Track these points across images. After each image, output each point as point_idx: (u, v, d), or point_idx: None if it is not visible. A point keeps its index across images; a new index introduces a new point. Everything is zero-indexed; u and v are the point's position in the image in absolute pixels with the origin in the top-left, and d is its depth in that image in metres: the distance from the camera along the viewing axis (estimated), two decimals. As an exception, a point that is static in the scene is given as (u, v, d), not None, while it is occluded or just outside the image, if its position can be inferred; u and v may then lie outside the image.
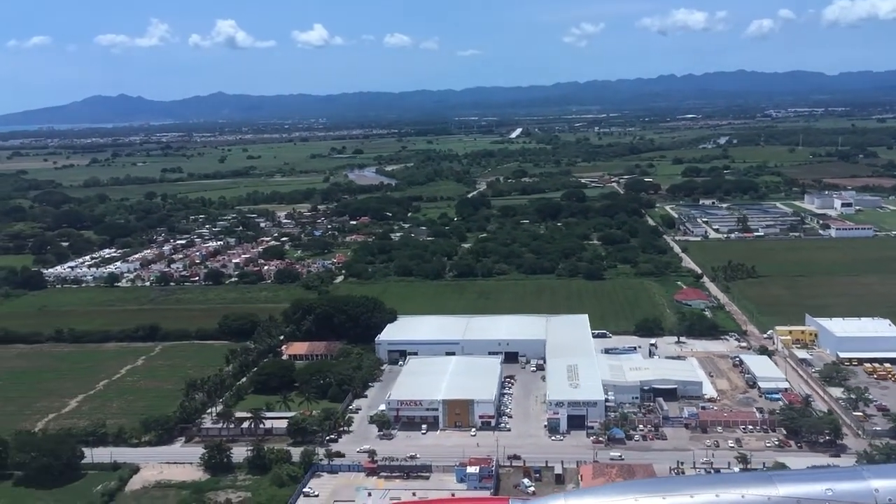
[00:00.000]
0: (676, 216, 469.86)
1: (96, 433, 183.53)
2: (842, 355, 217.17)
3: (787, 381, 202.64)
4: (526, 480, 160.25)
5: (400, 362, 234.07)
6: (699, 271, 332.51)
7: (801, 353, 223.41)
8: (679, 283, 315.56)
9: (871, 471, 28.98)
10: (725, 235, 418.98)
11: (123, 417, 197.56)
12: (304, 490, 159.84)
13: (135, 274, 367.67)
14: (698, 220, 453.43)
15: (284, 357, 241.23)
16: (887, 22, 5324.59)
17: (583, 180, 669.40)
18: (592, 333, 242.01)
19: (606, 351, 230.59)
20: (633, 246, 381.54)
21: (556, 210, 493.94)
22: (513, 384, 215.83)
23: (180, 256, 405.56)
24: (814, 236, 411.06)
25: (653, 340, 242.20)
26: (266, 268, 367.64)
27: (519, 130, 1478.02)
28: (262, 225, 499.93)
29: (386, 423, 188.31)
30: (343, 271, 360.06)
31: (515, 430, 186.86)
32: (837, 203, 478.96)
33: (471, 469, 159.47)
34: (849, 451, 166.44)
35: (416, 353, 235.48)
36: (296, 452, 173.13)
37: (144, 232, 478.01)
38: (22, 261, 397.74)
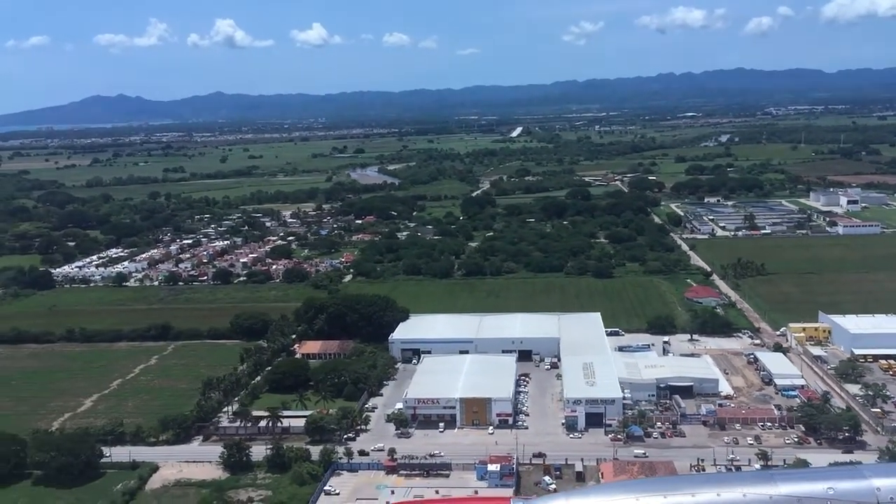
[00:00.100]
0: (682, 214, 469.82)
1: (114, 432, 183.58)
2: (856, 352, 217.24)
3: (803, 377, 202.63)
4: (547, 478, 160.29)
5: (414, 361, 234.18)
6: (708, 269, 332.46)
7: (816, 350, 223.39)
8: (689, 280, 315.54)
9: (873, 469, 29.00)
10: (733, 233, 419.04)
11: (139, 416, 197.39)
12: (325, 488, 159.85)
13: (143, 273, 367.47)
14: (704, 217, 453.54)
15: (298, 356, 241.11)
16: (886, 19, 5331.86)
17: (586, 179, 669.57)
18: (605, 331, 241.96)
19: (620, 349, 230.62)
20: (641, 244, 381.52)
21: (561, 208, 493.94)
22: (528, 382, 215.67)
23: (188, 256, 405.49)
24: (821, 233, 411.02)
25: (666, 338, 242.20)
26: (274, 267, 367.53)
27: (519, 129, 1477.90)
28: (268, 224, 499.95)
29: (403, 422, 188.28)
30: (351, 270, 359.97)
31: (533, 428, 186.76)
32: (843, 200, 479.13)
33: (492, 467, 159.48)
34: (869, 448, 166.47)
35: (429, 352, 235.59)
36: (314, 451, 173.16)
37: (150, 232, 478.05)
38: (28, 261, 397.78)
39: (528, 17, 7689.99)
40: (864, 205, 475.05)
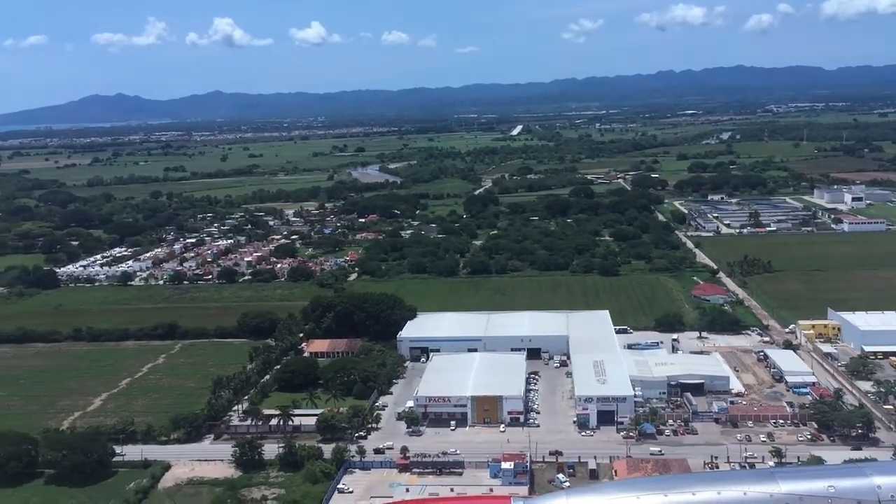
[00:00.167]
0: (686, 212, 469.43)
1: (125, 431, 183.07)
2: (866, 349, 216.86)
3: (813, 375, 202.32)
4: (560, 476, 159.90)
5: (422, 359, 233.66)
6: (714, 266, 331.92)
7: (826, 347, 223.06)
8: (695, 278, 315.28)
9: (874, 467, 28.69)
10: (738, 230, 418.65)
11: (149, 415, 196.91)
12: (339, 486, 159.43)
13: (147, 272, 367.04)
14: (709, 215, 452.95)
15: (306, 354, 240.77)
16: (886, 16, 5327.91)
17: (589, 177, 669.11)
18: (614, 329, 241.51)
19: (629, 346, 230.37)
20: (646, 242, 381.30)
21: (565, 206, 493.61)
22: (537, 380, 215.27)
23: (192, 255, 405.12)
24: (826, 231, 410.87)
25: (675, 335, 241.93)
26: (279, 266, 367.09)
27: (520, 127, 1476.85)
28: (271, 223, 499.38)
29: (415, 420, 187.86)
30: (356, 269, 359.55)
31: (544, 426, 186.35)
32: (848, 197, 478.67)
33: (505, 465, 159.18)
34: (882, 445, 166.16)
35: (437, 350, 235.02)
36: (326, 449, 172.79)
37: (154, 231, 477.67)
38: (32, 260, 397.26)
39: (528, 16, 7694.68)
40: (868, 202, 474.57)
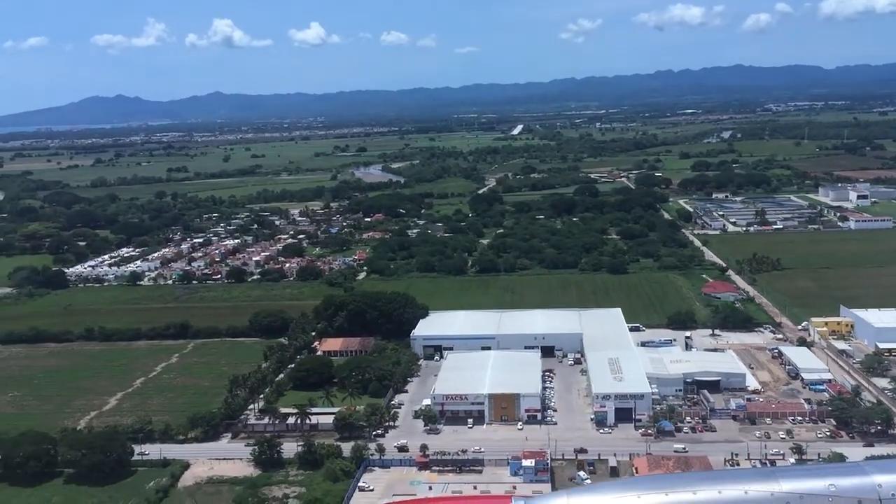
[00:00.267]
0: (692, 210, 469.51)
1: (143, 430, 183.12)
2: (881, 346, 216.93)
3: (829, 372, 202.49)
4: (581, 473, 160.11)
5: (435, 357, 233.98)
6: (723, 264, 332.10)
7: (840, 345, 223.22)
8: (704, 276, 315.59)
9: (874, 466, 28.71)
10: (744, 228, 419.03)
11: (165, 414, 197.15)
12: (359, 485, 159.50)
13: (156, 272, 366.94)
14: (715, 213, 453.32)
15: (319, 353, 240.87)
16: (884, 15, 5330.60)
17: (592, 175, 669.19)
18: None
19: (643, 344, 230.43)
20: (654, 240, 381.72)
21: (570, 205, 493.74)
22: (552, 378, 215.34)
23: (199, 255, 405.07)
24: (833, 228, 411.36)
25: (687, 333, 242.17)
26: (287, 265, 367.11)
27: (520, 127, 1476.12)
28: (277, 223, 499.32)
29: (432, 418, 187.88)
30: (365, 268, 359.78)
31: (562, 424, 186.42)
32: (853, 195, 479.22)
33: (526, 462, 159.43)
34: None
35: (450, 349, 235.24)
36: (344, 448, 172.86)
37: (160, 231, 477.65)
38: (39, 260, 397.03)
39: (527, 16, 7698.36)
40: (873, 199, 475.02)
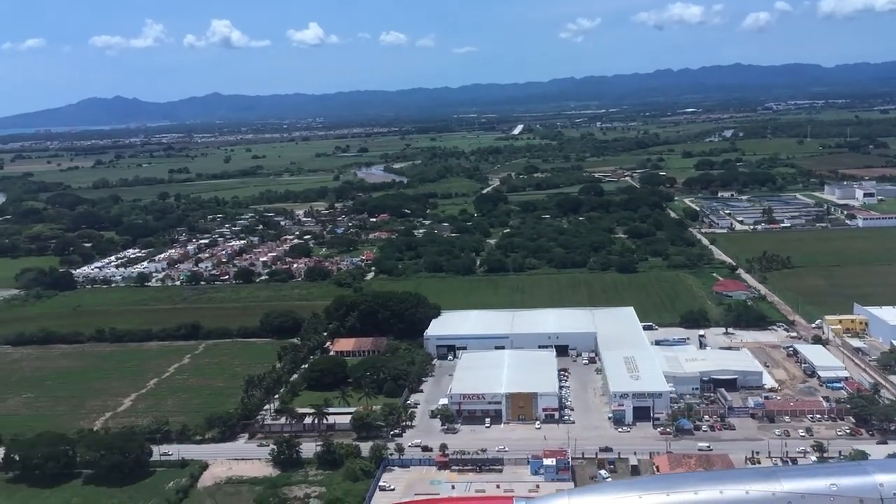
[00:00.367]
0: (699, 209, 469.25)
1: (160, 430, 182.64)
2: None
3: (846, 369, 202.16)
4: (602, 472, 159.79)
5: (449, 357, 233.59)
6: (733, 263, 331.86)
7: (855, 342, 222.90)
8: (714, 274, 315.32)
9: (876, 465, 28.48)
10: (751, 227, 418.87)
11: (181, 415, 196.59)
12: (380, 484, 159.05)
13: (164, 273, 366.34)
14: (721, 212, 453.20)
15: (331, 353, 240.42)
16: (884, 13, 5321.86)
17: (596, 175, 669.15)
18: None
19: (657, 342, 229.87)
20: (661, 239, 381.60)
21: (576, 205, 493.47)
22: (567, 377, 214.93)
23: (206, 256, 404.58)
24: (841, 226, 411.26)
25: (701, 331, 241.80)
26: (295, 266, 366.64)
27: (521, 127, 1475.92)
28: (283, 223, 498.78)
29: (449, 417, 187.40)
30: (373, 268, 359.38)
31: (580, 423, 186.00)
32: (859, 193, 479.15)
33: (547, 461, 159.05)
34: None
35: (464, 348, 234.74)
36: (363, 448, 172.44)
37: (166, 232, 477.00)
38: (45, 262, 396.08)
39: (526, 15, 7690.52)
40: (880, 197, 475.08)
